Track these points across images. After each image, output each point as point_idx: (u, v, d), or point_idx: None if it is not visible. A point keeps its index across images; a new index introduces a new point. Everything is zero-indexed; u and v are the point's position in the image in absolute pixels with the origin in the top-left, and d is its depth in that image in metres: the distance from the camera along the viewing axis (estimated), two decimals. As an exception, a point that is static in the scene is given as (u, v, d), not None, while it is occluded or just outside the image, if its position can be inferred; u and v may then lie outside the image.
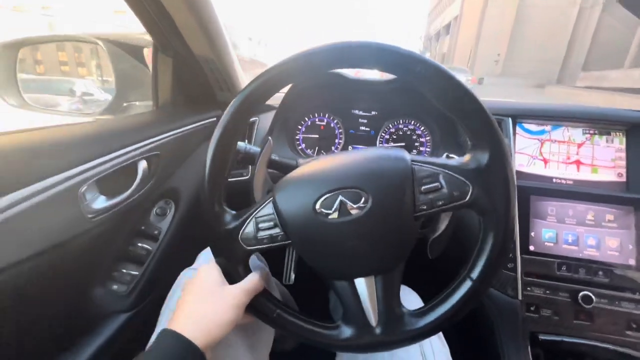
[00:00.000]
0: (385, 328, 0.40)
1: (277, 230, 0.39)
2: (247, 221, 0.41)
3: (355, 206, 0.37)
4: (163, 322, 0.46)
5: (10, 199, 0.42)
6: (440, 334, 0.54)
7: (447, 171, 0.37)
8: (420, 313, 0.40)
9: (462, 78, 0.35)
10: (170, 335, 0.33)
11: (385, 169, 0.38)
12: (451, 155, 0.69)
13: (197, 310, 0.36)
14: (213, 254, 0.42)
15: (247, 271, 0.42)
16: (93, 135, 0.57)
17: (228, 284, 0.39)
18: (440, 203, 0.36)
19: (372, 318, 0.40)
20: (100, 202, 0.56)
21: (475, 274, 0.38)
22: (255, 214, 0.40)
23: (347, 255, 0.39)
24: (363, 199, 0.37)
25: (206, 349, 0.34)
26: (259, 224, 0.40)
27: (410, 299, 0.58)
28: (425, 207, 0.37)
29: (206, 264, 0.42)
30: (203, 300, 0.37)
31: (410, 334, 0.39)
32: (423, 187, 0.37)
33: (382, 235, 0.38)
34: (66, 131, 0.55)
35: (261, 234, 0.40)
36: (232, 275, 0.41)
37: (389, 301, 0.40)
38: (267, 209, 0.40)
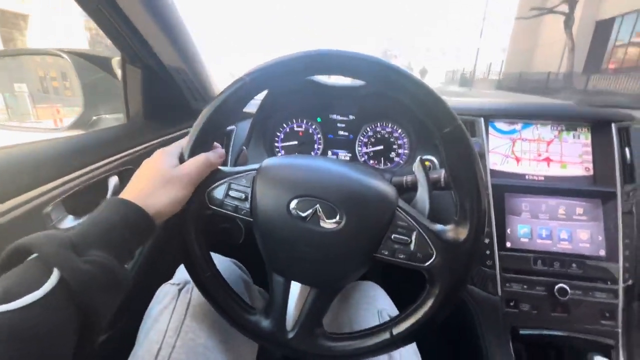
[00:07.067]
0: (297, 336, 0.40)
1: (244, 205, 0.39)
2: (221, 181, 0.40)
3: (327, 220, 0.37)
4: (141, 340, 0.45)
5: None
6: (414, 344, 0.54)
7: (422, 232, 0.37)
8: (334, 338, 0.41)
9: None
10: (117, 201, 0.32)
11: (370, 201, 0.38)
12: (426, 157, 0.69)
13: (146, 186, 0.36)
14: None
15: (200, 235, 0.42)
16: (59, 152, 0.54)
17: (179, 166, 0.38)
18: (402, 257, 0.37)
19: (290, 322, 0.40)
20: (68, 222, 0.53)
21: (397, 330, 0.38)
22: (231, 179, 0.40)
23: (299, 258, 0.39)
24: (337, 217, 0.37)
25: (155, 219, 0.34)
26: (230, 190, 0.40)
27: (378, 297, 0.57)
28: (386, 254, 0.37)
29: (163, 150, 0.41)
30: (152, 178, 0.36)
31: (318, 350, 0.40)
32: (394, 236, 0.37)
33: (338, 257, 0.38)
34: (30, 150, 0.52)
35: (229, 200, 0.40)
36: (187, 239, 0.40)
37: (312, 315, 0.40)
38: (244, 181, 0.40)
